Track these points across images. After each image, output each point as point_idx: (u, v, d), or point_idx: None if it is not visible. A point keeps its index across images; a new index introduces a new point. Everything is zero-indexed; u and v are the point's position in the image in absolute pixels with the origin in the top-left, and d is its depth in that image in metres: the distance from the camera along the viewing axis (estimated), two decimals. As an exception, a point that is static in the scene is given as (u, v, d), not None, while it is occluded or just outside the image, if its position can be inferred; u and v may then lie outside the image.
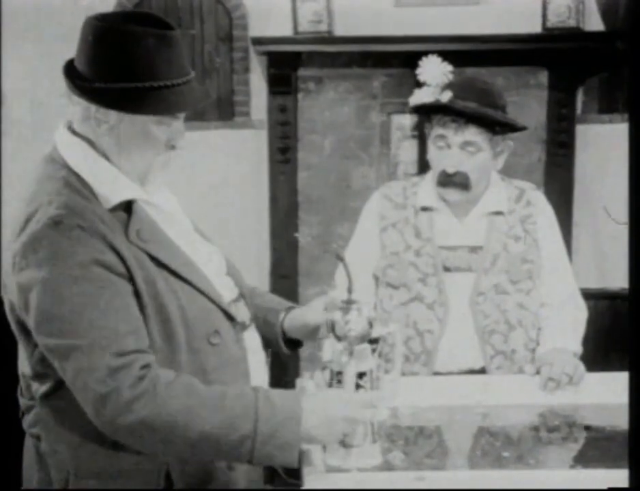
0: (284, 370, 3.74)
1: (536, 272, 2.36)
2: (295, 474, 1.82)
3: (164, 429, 1.52)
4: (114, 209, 1.62)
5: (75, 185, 1.61)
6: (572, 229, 4.36)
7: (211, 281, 1.73)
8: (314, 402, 1.61)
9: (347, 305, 1.74)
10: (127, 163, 1.64)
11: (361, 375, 1.70)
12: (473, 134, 2.22)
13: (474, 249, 2.31)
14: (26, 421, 1.72)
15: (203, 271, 1.72)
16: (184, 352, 1.63)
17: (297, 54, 4.27)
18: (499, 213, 2.35)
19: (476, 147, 2.24)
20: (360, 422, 1.63)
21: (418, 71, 2.33)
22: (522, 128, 2.34)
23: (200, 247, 1.78)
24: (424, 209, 2.36)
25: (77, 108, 1.64)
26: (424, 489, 1.67)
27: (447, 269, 2.31)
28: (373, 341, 1.94)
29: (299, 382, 2.18)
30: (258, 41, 4.23)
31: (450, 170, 2.25)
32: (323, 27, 4.18)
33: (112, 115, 1.60)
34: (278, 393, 1.62)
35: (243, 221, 4.48)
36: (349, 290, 1.76)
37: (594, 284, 4.34)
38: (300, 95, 4.38)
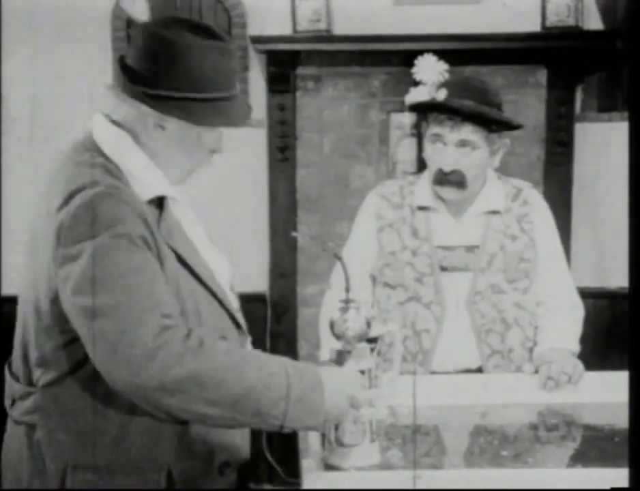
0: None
1: (533, 271, 2.36)
2: (294, 473, 1.82)
3: (210, 385, 1.52)
4: (147, 203, 1.65)
5: (114, 172, 1.64)
6: (570, 228, 4.36)
7: (224, 288, 1.76)
8: (330, 374, 1.65)
9: (345, 304, 1.76)
10: (171, 164, 1.70)
11: (360, 373, 1.71)
12: (469, 132, 2.22)
13: (471, 249, 2.31)
14: (19, 408, 1.69)
15: (215, 276, 1.74)
16: None
17: (296, 53, 4.27)
18: (495, 212, 2.35)
19: (472, 145, 2.24)
20: (360, 405, 1.66)
21: (414, 70, 2.34)
22: (519, 126, 2.34)
23: (212, 253, 1.80)
24: (421, 208, 2.36)
25: (127, 107, 1.67)
26: (422, 488, 1.67)
27: (443, 269, 2.31)
28: (372, 340, 1.94)
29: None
30: (257, 39, 4.22)
31: (446, 168, 2.25)
32: (322, 26, 4.18)
33: (171, 122, 1.65)
34: (299, 363, 1.65)
35: (241, 220, 4.48)
36: (347, 289, 1.78)
37: (593, 283, 4.34)
38: (299, 94, 4.38)
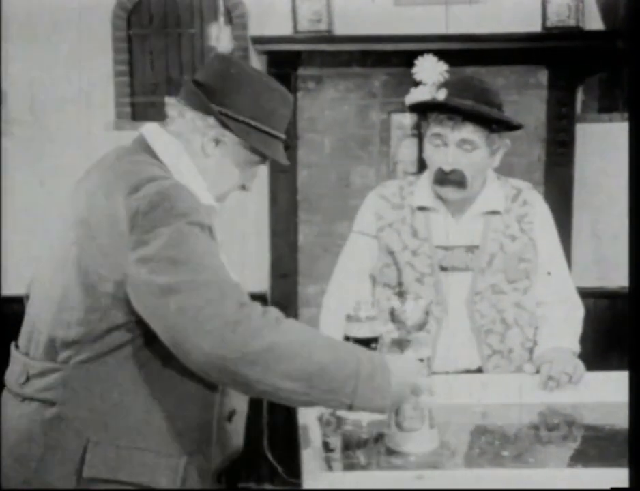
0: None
1: (533, 271, 2.36)
2: (295, 473, 1.82)
3: (287, 358, 1.58)
4: None
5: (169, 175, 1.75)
6: (571, 228, 4.36)
7: None
8: (394, 361, 1.71)
9: (402, 295, 1.89)
10: (210, 183, 1.80)
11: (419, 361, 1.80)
12: (469, 131, 2.22)
13: (470, 249, 2.31)
14: (34, 385, 1.70)
15: None
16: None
17: (297, 54, 4.27)
18: (495, 212, 2.35)
19: (472, 145, 2.24)
20: (421, 392, 1.75)
21: (414, 70, 2.34)
22: (519, 126, 2.34)
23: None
24: (421, 208, 2.36)
25: (186, 120, 1.80)
26: (423, 488, 1.67)
27: (443, 269, 2.31)
28: (372, 340, 1.94)
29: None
30: (257, 40, 4.23)
31: (447, 168, 2.25)
32: (323, 26, 4.18)
33: (228, 140, 1.79)
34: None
35: (243, 220, 4.48)
36: (400, 283, 2.01)
37: (594, 282, 4.34)
38: (300, 94, 4.38)
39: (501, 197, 2.37)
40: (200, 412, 1.71)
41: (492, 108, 2.25)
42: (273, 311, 1.64)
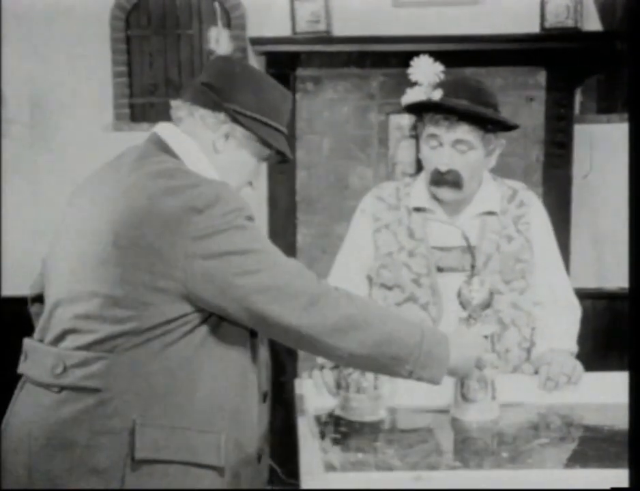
0: (282, 371, 3.73)
1: (529, 272, 2.36)
2: (294, 474, 1.82)
3: (361, 326, 1.73)
4: None
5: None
6: (570, 229, 4.36)
7: None
8: (458, 337, 1.90)
9: (470, 277, 2.03)
10: (223, 178, 1.82)
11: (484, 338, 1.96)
12: (464, 132, 2.22)
13: (466, 250, 2.31)
14: (76, 374, 1.71)
15: None
16: (229, 347, 1.76)
17: (296, 54, 4.27)
18: (491, 213, 2.35)
19: (468, 145, 2.24)
20: (484, 365, 1.95)
21: (410, 70, 2.34)
22: (515, 126, 2.34)
23: None
24: (417, 209, 2.36)
25: (196, 117, 1.85)
26: (421, 489, 1.67)
27: (440, 270, 2.31)
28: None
29: (297, 382, 2.19)
30: (256, 41, 4.23)
31: (443, 168, 2.25)
32: (321, 27, 4.19)
33: (238, 134, 1.85)
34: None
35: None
36: (472, 266, 2.10)
37: (593, 283, 4.35)
38: (298, 95, 4.38)
39: (497, 198, 2.37)
40: (239, 392, 1.77)
41: (487, 108, 2.25)
42: (341, 288, 1.78)
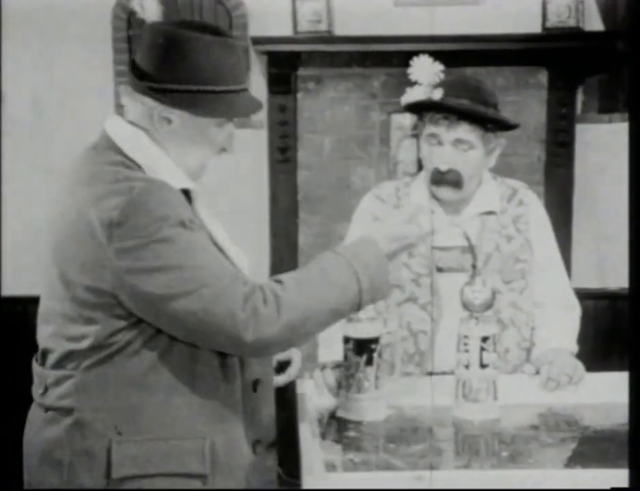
0: (282, 371, 3.72)
1: (529, 271, 2.36)
2: (294, 474, 1.82)
3: (302, 324, 1.65)
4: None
5: (135, 169, 1.69)
6: (571, 228, 4.36)
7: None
8: (377, 230, 1.80)
9: (472, 278, 2.04)
10: (182, 159, 1.73)
11: (484, 339, 1.96)
12: (465, 131, 2.22)
13: (466, 250, 2.30)
14: (53, 394, 1.70)
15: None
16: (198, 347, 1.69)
17: (297, 54, 4.27)
18: (491, 212, 2.35)
19: (468, 144, 2.24)
20: (414, 241, 1.83)
21: (410, 70, 2.33)
22: (515, 126, 2.33)
23: (229, 246, 1.86)
24: None
25: (137, 103, 1.71)
26: (422, 488, 1.67)
27: (440, 270, 2.31)
28: (373, 341, 1.95)
29: (299, 382, 2.19)
30: (258, 40, 4.23)
31: (443, 167, 2.24)
32: (323, 27, 4.19)
33: (176, 115, 1.69)
34: (354, 244, 1.78)
35: (242, 221, 4.48)
36: (474, 266, 2.11)
37: (594, 283, 4.34)
38: (300, 95, 4.38)
39: (496, 197, 2.37)
40: (219, 388, 1.71)
41: (488, 107, 2.25)
42: (269, 289, 1.65)
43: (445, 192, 2.28)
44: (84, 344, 1.65)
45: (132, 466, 1.65)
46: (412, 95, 2.32)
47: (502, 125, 2.31)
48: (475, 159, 2.26)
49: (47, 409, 1.72)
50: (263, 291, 1.64)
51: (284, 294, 1.65)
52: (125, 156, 1.69)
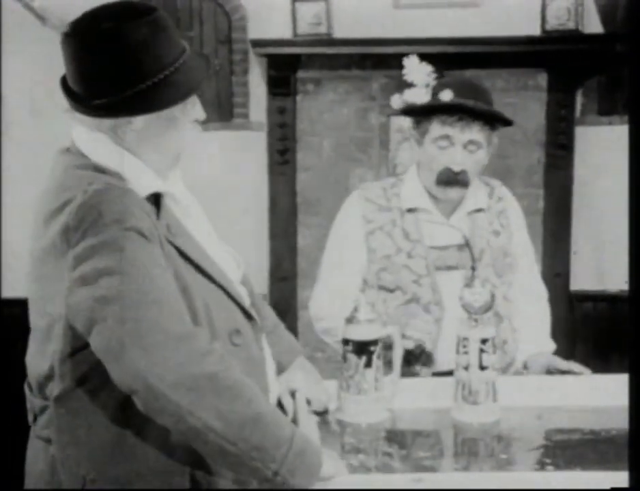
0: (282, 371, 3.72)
1: (515, 264, 2.41)
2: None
3: (225, 394, 1.48)
4: (145, 199, 1.62)
5: (105, 173, 1.61)
6: (571, 230, 4.36)
7: (233, 282, 1.75)
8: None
9: (471, 280, 2.03)
10: (155, 155, 1.65)
11: (484, 341, 1.95)
12: (476, 131, 2.24)
13: (461, 247, 2.32)
14: (39, 423, 1.66)
15: (223, 270, 1.73)
16: None
17: (297, 56, 4.28)
18: (479, 210, 2.38)
19: (477, 145, 2.26)
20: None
21: (404, 71, 2.34)
22: (511, 123, 2.36)
23: (218, 246, 1.79)
24: (410, 210, 2.35)
25: (93, 119, 1.63)
26: (422, 490, 1.66)
27: (438, 268, 2.32)
28: (372, 343, 1.95)
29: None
30: (257, 43, 4.23)
31: (456, 168, 2.25)
32: (322, 29, 4.19)
33: (138, 121, 1.61)
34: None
35: (242, 222, 4.48)
36: (473, 268, 2.11)
37: (593, 285, 4.34)
38: (299, 97, 4.38)
39: (484, 195, 2.41)
40: (173, 430, 1.55)
41: (491, 106, 2.28)
42: (219, 347, 1.54)
43: (453, 192, 2.29)
44: (44, 366, 1.60)
45: None
46: (415, 97, 2.32)
47: (503, 123, 2.34)
48: (481, 158, 2.29)
49: (36, 437, 1.68)
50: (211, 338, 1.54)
51: (231, 361, 1.52)
52: (94, 164, 1.62)
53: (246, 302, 1.78)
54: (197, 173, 4.19)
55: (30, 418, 1.70)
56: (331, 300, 2.36)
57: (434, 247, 2.33)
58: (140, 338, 1.44)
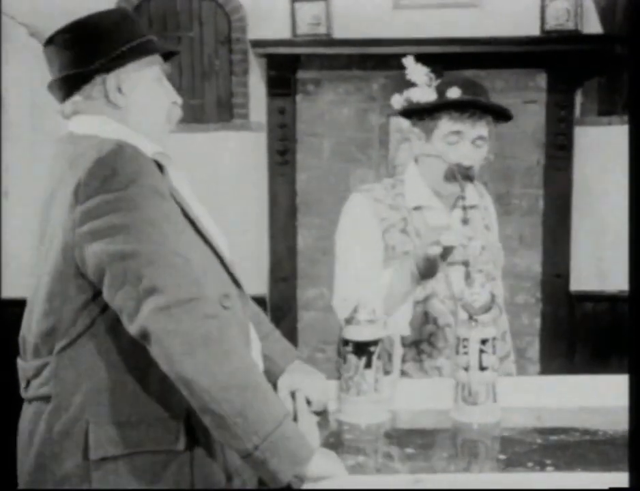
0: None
1: (501, 258, 2.46)
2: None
3: (218, 355, 1.54)
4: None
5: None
6: (570, 231, 4.37)
7: (222, 248, 1.82)
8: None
9: (470, 278, 2.03)
10: (145, 126, 1.77)
11: (484, 341, 1.94)
12: (483, 127, 2.28)
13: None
14: (34, 385, 1.72)
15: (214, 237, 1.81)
16: None
17: (296, 57, 4.28)
18: (474, 206, 2.41)
19: (484, 140, 2.30)
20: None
21: (407, 71, 2.37)
22: (510, 117, 2.39)
23: (209, 220, 1.86)
24: (416, 208, 2.37)
25: (82, 99, 1.77)
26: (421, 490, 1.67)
27: (450, 264, 2.34)
28: (372, 343, 1.95)
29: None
30: (257, 43, 4.23)
31: (467, 163, 2.27)
32: (322, 30, 4.19)
33: (125, 78, 1.76)
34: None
35: (242, 223, 4.48)
36: (466, 264, 2.08)
37: (593, 286, 4.34)
38: (299, 97, 4.38)
39: (473, 191, 2.43)
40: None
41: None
42: (226, 314, 1.64)
43: (456, 187, 2.31)
44: (50, 321, 1.67)
45: (109, 447, 1.65)
46: (420, 96, 2.36)
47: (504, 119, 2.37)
48: (484, 153, 2.32)
49: (30, 401, 1.74)
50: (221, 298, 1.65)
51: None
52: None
53: (234, 267, 1.84)
54: (197, 173, 4.20)
55: (22, 385, 1.76)
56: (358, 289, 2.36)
57: (441, 242, 2.35)
58: (153, 298, 1.53)
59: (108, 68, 1.74)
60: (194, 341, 1.53)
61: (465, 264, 2.05)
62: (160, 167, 1.72)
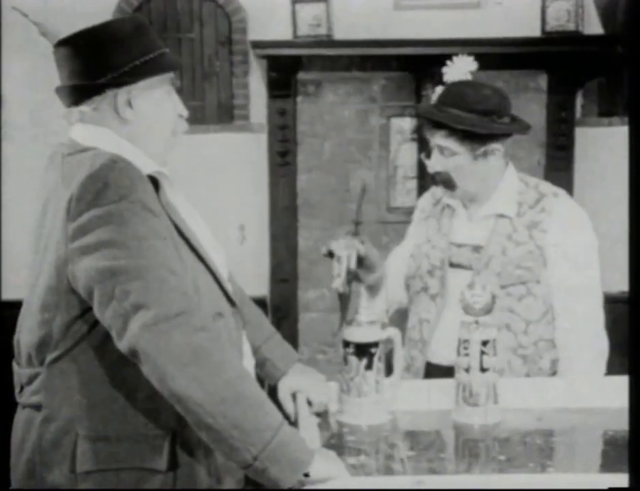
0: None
1: (532, 281, 2.31)
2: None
3: (210, 368, 1.54)
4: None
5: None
6: (571, 232, 4.36)
7: (218, 266, 1.81)
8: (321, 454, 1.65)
9: (472, 281, 2.06)
10: (150, 143, 1.76)
11: (485, 343, 1.95)
12: (441, 137, 2.29)
13: (476, 249, 2.33)
14: (27, 392, 1.73)
15: (212, 257, 1.79)
16: None
17: (297, 58, 4.28)
18: (503, 216, 2.35)
19: (449, 151, 2.29)
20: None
21: (445, 69, 2.45)
22: (508, 134, 2.37)
23: (209, 239, 1.84)
24: (448, 206, 2.42)
25: (91, 109, 1.76)
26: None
27: (452, 265, 2.35)
28: (373, 345, 1.95)
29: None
30: (257, 44, 4.24)
31: (430, 170, 2.34)
32: (323, 31, 4.19)
33: (136, 93, 1.74)
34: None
35: (242, 224, 4.48)
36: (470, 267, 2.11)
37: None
38: (299, 99, 4.38)
39: (513, 201, 2.36)
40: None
41: (479, 115, 2.25)
42: (217, 326, 1.63)
43: (442, 192, 2.36)
44: (41, 332, 1.67)
45: (96, 461, 1.66)
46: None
47: (493, 133, 2.32)
48: (460, 164, 2.29)
49: (23, 406, 1.74)
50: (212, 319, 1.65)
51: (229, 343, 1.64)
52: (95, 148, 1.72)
53: (230, 289, 1.83)
54: (197, 174, 4.20)
55: (17, 390, 1.77)
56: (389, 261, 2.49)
57: (454, 243, 2.36)
58: (142, 314, 1.52)
59: (119, 83, 1.73)
60: (185, 356, 1.52)
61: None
62: (155, 183, 1.71)
